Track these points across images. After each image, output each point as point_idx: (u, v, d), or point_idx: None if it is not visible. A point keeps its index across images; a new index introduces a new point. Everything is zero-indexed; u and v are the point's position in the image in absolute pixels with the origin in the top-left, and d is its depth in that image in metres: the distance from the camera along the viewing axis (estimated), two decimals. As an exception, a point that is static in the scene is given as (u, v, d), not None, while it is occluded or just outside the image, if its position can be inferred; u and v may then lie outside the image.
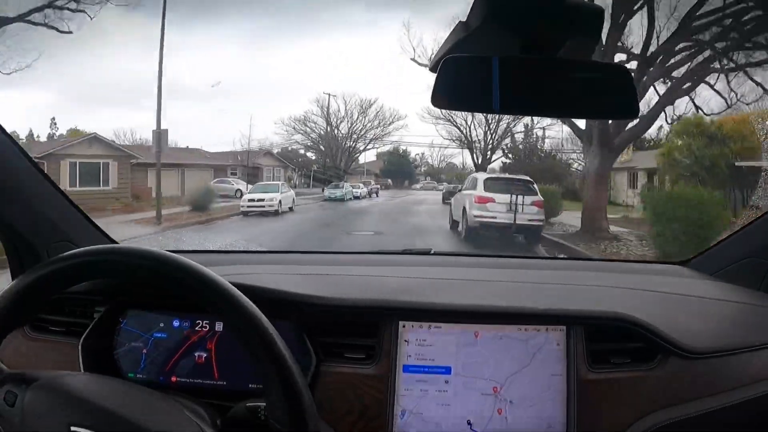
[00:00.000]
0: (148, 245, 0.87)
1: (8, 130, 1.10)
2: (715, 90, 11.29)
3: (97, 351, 1.14)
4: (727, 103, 11.60)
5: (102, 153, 16.56)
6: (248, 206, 14.94)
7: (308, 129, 27.57)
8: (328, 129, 27.58)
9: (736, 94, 11.23)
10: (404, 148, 31.70)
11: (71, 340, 1.15)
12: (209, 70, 33.79)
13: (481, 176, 11.44)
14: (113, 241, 1.39)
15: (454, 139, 24.30)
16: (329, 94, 26.93)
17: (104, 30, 23.67)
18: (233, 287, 0.80)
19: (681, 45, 10.58)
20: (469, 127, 22.43)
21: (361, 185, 24.97)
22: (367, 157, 31.79)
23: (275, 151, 28.08)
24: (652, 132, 22.61)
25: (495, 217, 9.63)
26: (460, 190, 11.86)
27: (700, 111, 12.22)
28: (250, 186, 19.58)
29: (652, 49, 10.75)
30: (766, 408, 1.07)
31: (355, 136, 27.67)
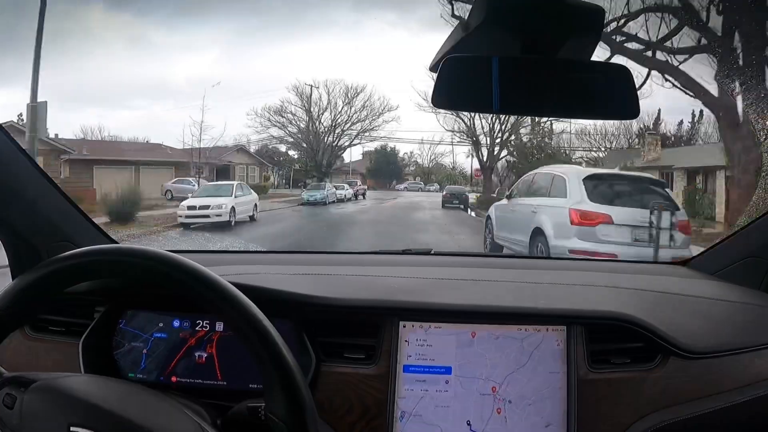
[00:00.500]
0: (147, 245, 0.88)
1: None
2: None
3: (98, 351, 1.13)
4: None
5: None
6: (187, 216, 11.30)
7: (285, 120, 24.26)
8: (308, 121, 24.34)
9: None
10: (393, 145, 29.26)
11: (71, 340, 1.15)
12: (193, 69, 32.30)
13: (575, 172, 6.30)
14: (113, 241, 1.38)
15: (457, 131, 21.44)
16: (311, 85, 23.72)
17: (83, 27, 22.69)
18: (233, 287, 0.80)
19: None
20: (472, 119, 19.64)
21: (346, 186, 21.84)
22: (353, 155, 29.27)
23: (253, 148, 25.10)
24: (672, 129, 20.76)
25: (616, 255, 4.94)
26: (510, 196, 7.26)
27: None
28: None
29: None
30: (767, 408, 1.07)
31: (339, 129, 24.48)
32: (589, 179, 5.90)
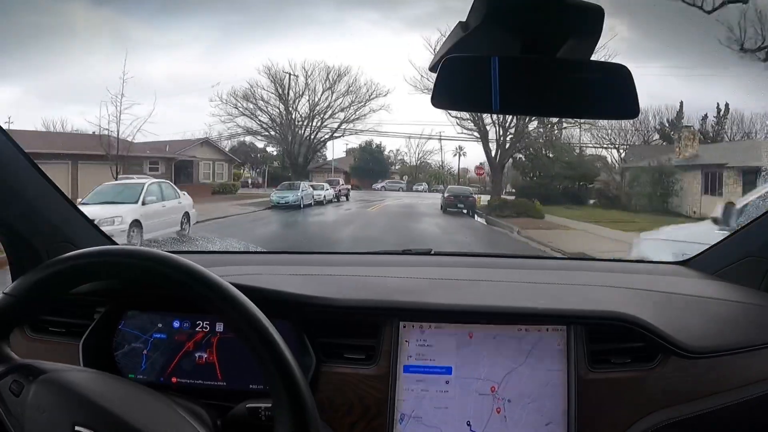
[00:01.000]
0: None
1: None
2: None
3: (98, 352, 1.13)
4: None
5: None
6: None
7: (254, 108, 20.93)
8: (283, 109, 21.00)
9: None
10: (379, 141, 26.90)
11: (71, 341, 1.15)
12: (176, 67, 31.58)
13: None
14: (114, 243, 1.38)
15: (465, 118, 18.60)
16: (289, 74, 20.41)
17: (65, 22, 21.27)
18: (233, 288, 0.80)
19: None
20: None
21: (326, 185, 18.61)
22: (336, 151, 26.83)
23: (227, 144, 22.26)
24: (695, 124, 19.11)
25: None
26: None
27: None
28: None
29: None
30: (767, 408, 1.08)
31: (318, 119, 21.18)
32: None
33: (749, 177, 11.93)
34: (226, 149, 23.34)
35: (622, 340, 1.12)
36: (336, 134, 22.00)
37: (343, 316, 1.15)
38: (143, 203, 8.71)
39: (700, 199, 15.01)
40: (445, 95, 0.82)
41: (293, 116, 20.95)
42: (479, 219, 15.31)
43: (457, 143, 27.91)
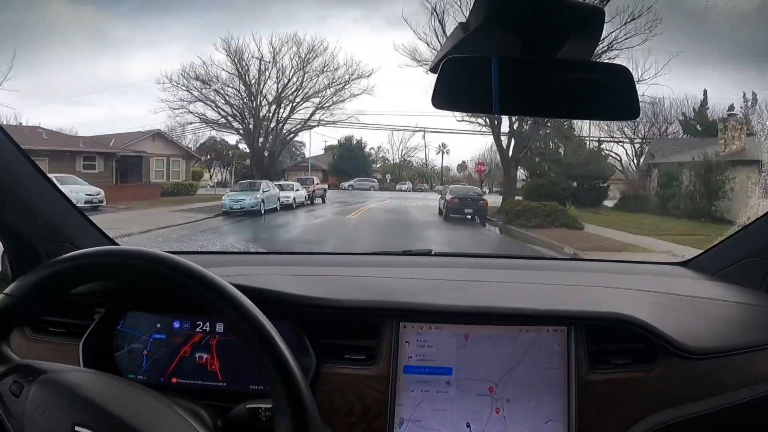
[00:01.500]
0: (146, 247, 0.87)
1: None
2: None
3: (98, 352, 1.13)
4: None
5: None
6: None
7: (208, 89, 17.52)
8: (243, 91, 17.63)
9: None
10: (360, 137, 24.41)
11: (71, 342, 1.15)
12: (158, 65, 31.64)
13: None
14: (113, 243, 1.38)
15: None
16: (260, 59, 17.10)
17: (45, 20, 20.24)
18: (234, 288, 0.79)
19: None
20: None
21: (296, 185, 15.47)
22: (314, 149, 24.78)
23: (193, 139, 19.44)
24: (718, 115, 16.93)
25: None
26: None
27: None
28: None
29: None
30: (767, 408, 1.07)
31: (287, 103, 17.84)
32: None
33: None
34: (195, 146, 20.68)
35: (623, 341, 1.11)
36: (310, 123, 18.54)
37: (344, 316, 1.15)
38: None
39: (756, 203, 12.04)
40: (445, 96, 0.81)
41: (258, 101, 17.64)
42: (492, 228, 12.62)
43: (441, 140, 26.49)
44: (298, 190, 15.59)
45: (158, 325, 1.15)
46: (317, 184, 17.46)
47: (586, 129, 17.75)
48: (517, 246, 10.49)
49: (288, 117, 17.74)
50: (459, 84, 0.81)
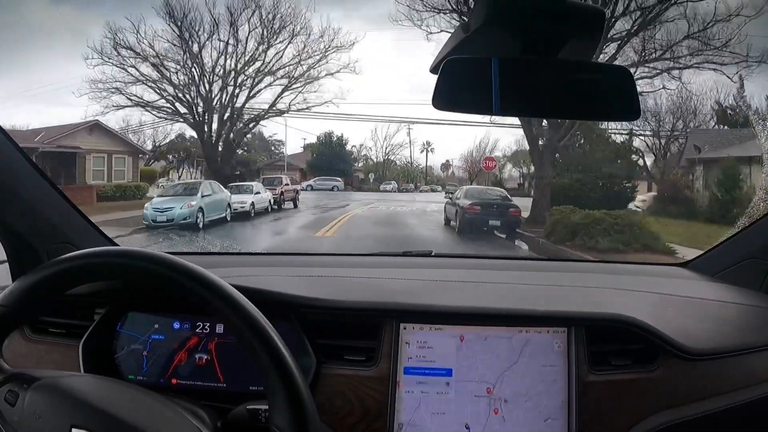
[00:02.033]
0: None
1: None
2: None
3: (98, 353, 1.13)
4: None
5: None
6: None
7: (145, 63, 13.99)
8: (187, 59, 14.03)
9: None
10: (341, 133, 21.82)
11: (71, 342, 1.15)
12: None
13: None
14: (113, 243, 1.39)
15: None
16: (226, 41, 13.79)
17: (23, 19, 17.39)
18: (233, 289, 0.80)
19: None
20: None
21: (256, 186, 12.34)
22: (291, 147, 22.06)
23: (151, 134, 16.12)
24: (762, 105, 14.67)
25: None
26: None
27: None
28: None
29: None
30: (767, 410, 1.07)
31: (243, 79, 14.10)
32: None
33: None
34: (159, 143, 17.32)
35: (623, 342, 1.12)
36: (276, 107, 14.63)
37: (343, 317, 1.15)
38: None
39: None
40: (446, 96, 0.82)
41: (208, 79, 13.79)
42: (524, 245, 9.47)
43: (426, 137, 24.35)
44: (258, 192, 12.30)
45: (158, 326, 1.15)
46: (286, 184, 14.16)
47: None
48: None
49: (247, 99, 13.97)
50: (460, 85, 0.81)
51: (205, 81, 14.02)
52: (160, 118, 14.78)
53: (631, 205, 14.22)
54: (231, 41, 13.81)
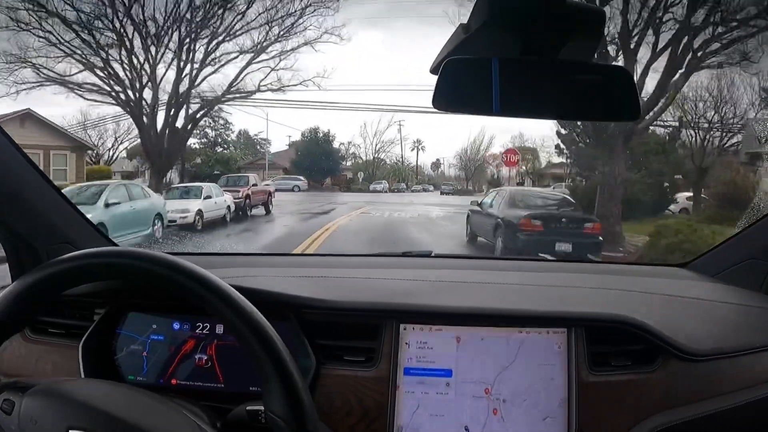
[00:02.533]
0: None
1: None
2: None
3: (98, 353, 1.13)
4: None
5: None
6: None
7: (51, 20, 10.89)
8: (116, 19, 10.78)
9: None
10: (327, 129, 20.39)
11: (71, 343, 1.14)
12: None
13: None
14: (113, 244, 1.39)
15: None
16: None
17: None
18: (233, 289, 0.80)
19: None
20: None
21: (209, 189, 9.59)
22: (276, 145, 20.59)
23: (115, 130, 13.95)
24: None
25: None
26: None
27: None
28: None
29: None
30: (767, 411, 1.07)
31: (190, 47, 10.87)
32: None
33: None
34: (118, 138, 14.94)
35: (623, 343, 1.11)
36: (242, 89, 11.88)
37: (343, 318, 1.14)
38: None
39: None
40: (445, 97, 0.81)
41: (153, 53, 10.87)
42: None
43: (417, 136, 24.04)
44: (209, 197, 9.61)
45: (158, 327, 1.15)
46: (254, 185, 11.46)
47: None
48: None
49: (197, 73, 10.94)
50: (459, 85, 0.81)
51: (153, 57, 11.08)
52: (89, 100, 11.79)
53: (674, 208, 11.87)
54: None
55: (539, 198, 8.96)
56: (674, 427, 1.05)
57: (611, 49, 9.55)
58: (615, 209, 9.04)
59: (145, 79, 11.00)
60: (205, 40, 11.15)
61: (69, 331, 1.17)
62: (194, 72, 11.09)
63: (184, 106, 11.33)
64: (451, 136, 40.22)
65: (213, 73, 11.40)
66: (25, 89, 11.26)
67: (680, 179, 12.48)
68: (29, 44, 10.92)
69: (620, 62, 9.49)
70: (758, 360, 1.10)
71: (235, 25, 11.27)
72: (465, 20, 0.82)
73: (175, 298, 0.95)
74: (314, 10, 11.31)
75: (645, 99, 9.25)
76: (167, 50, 10.93)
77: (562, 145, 11.90)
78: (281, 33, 11.53)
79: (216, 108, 12.67)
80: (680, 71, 9.76)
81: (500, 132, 25.40)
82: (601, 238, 7.69)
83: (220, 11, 10.81)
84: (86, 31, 10.76)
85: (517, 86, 0.81)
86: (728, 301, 1.28)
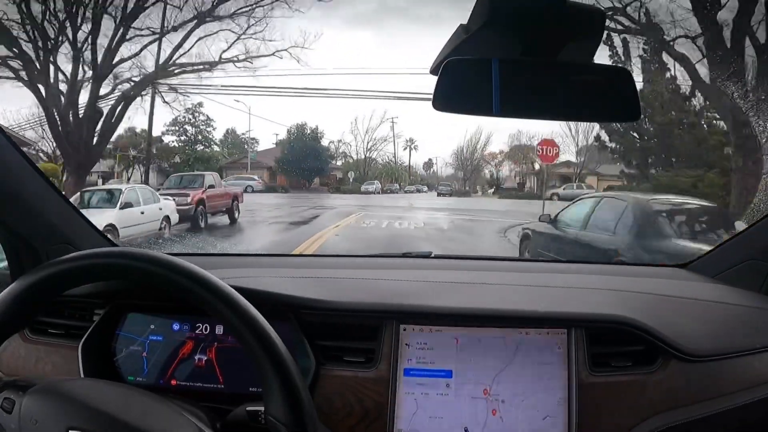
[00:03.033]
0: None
1: None
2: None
3: (97, 354, 1.13)
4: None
5: None
6: None
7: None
8: None
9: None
10: (315, 125, 19.27)
11: (71, 343, 1.14)
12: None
13: None
14: (113, 244, 1.39)
15: None
16: None
17: None
18: (233, 290, 0.80)
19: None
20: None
21: (129, 192, 7.99)
22: (264, 143, 19.98)
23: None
24: None
25: None
26: None
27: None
28: None
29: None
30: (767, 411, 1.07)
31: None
32: None
33: None
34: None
35: (623, 344, 1.11)
36: (178, 60, 9.03)
37: (343, 318, 1.14)
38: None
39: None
40: (445, 98, 0.81)
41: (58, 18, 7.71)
42: None
43: (409, 135, 23.12)
44: (128, 205, 7.14)
45: (158, 327, 1.15)
46: (210, 186, 9.05)
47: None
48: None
49: (121, 38, 8.21)
50: (459, 86, 0.81)
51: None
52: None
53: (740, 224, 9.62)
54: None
55: (685, 212, 5.50)
56: (674, 427, 1.04)
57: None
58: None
59: (47, 45, 8.27)
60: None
61: (68, 332, 1.17)
62: (119, 33, 8.44)
63: (101, 82, 8.60)
64: (444, 135, 39.88)
65: (152, 42, 8.83)
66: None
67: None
68: None
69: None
70: (758, 361, 1.10)
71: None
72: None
73: (174, 298, 0.94)
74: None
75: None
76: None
77: (608, 142, 9.69)
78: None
79: (184, 94, 10.26)
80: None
81: (497, 131, 24.33)
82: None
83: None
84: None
85: (517, 87, 0.81)
86: (728, 302, 1.27)
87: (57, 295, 0.83)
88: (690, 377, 1.07)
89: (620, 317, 1.10)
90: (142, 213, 7.45)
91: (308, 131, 19.19)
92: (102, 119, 8.66)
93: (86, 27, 7.80)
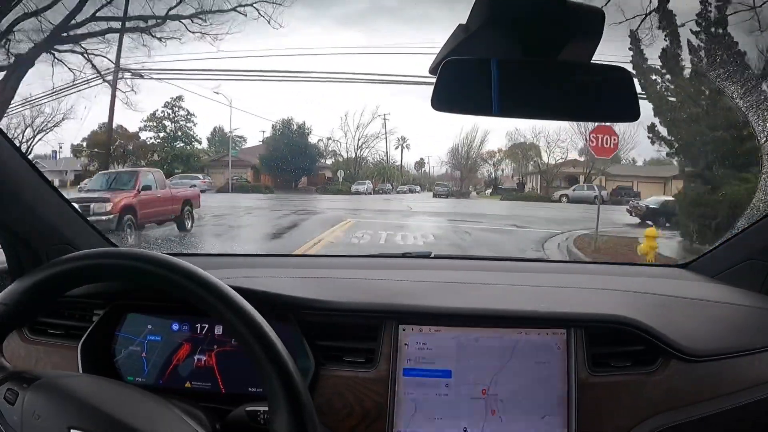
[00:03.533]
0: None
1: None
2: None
3: (96, 354, 1.13)
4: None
5: None
6: None
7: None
8: None
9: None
10: (302, 121, 18.42)
11: (70, 343, 1.14)
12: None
13: None
14: (113, 245, 1.38)
15: None
16: None
17: None
18: (232, 290, 0.80)
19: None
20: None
21: None
22: (249, 139, 19.20)
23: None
24: None
25: None
26: None
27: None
28: None
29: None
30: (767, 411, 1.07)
31: None
32: None
33: None
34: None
35: (623, 344, 1.11)
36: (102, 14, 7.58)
37: (342, 318, 1.14)
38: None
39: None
40: (444, 98, 0.81)
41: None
42: None
43: (401, 133, 21.99)
44: None
45: (157, 328, 1.15)
46: (145, 188, 7.27)
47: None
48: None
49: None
50: (458, 86, 0.81)
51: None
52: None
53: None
54: None
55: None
56: (674, 427, 1.04)
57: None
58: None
59: None
60: None
61: (68, 332, 1.17)
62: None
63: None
64: (437, 133, 39.36)
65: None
66: None
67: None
68: None
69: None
70: (758, 360, 1.10)
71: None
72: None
73: (174, 299, 0.93)
74: None
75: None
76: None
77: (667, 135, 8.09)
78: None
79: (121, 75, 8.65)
80: None
81: (494, 130, 23.39)
82: None
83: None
84: None
85: (517, 87, 0.81)
86: (728, 302, 1.27)
87: (57, 295, 0.83)
88: (690, 377, 1.08)
89: (620, 317, 1.10)
90: None
91: (295, 127, 18.26)
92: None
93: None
